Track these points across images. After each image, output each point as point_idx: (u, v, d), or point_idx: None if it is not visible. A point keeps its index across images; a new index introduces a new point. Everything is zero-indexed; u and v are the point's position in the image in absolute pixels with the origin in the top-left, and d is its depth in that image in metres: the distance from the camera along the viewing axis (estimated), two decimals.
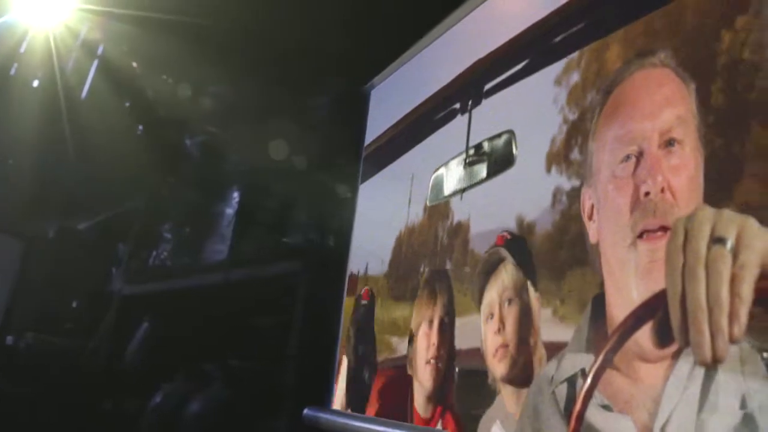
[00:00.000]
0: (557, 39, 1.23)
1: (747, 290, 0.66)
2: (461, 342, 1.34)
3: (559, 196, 1.09)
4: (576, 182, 1.09)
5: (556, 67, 1.18)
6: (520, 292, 1.16)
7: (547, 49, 1.25)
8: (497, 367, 1.18)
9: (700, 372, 0.76)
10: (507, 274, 1.21)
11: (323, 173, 2.22)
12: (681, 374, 0.79)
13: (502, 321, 1.19)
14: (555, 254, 1.07)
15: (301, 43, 2.15)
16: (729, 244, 0.69)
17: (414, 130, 1.78)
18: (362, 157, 2.08)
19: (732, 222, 0.71)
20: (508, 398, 1.14)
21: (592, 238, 1.02)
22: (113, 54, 2.20)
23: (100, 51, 2.17)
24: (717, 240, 0.70)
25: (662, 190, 0.90)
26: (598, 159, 1.03)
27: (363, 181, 2.05)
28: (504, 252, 1.22)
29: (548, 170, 1.14)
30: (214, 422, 2.23)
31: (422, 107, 1.76)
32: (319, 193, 2.27)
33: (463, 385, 1.30)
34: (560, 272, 1.07)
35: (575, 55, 1.14)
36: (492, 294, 1.25)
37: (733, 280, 0.67)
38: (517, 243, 1.19)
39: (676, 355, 0.80)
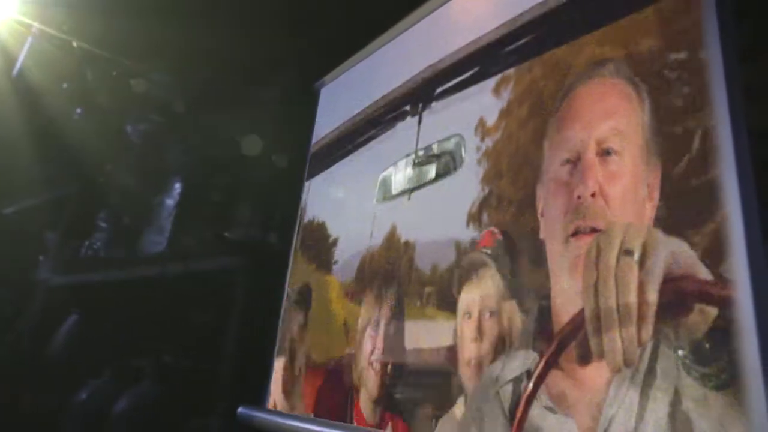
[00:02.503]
0: (506, 49, 1.28)
1: (652, 295, 0.70)
2: (414, 344, 1.32)
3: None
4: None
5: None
6: (503, 306, 1.10)
7: (497, 59, 1.30)
8: (467, 374, 1.15)
9: (639, 377, 0.79)
10: (491, 280, 1.14)
11: (268, 169, 2.18)
12: (622, 379, 0.82)
13: (480, 330, 1.14)
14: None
15: (251, 37, 2.11)
16: (636, 255, 0.74)
17: (363, 129, 1.78)
18: (309, 155, 2.06)
19: (639, 234, 0.75)
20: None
21: (541, 234, 1.06)
22: (50, 30, 2.09)
23: (34, 28, 2.06)
24: (626, 252, 0.74)
25: (593, 195, 0.95)
26: (548, 159, 1.08)
27: (309, 178, 2.03)
28: (487, 259, 1.16)
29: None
30: (143, 420, 2.16)
31: (372, 108, 1.76)
32: (264, 188, 2.24)
33: (418, 389, 1.26)
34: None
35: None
36: (473, 294, 1.18)
37: (640, 287, 0.71)
38: (508, 246, 1.14)
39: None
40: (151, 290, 2.29)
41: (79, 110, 2.37)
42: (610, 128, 0.96)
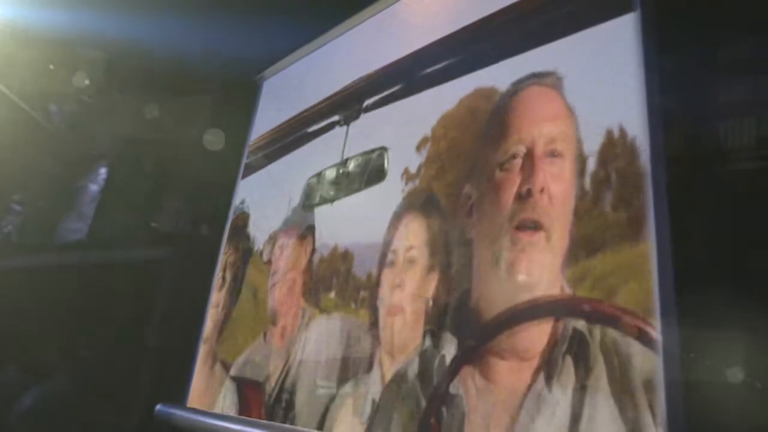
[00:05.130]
0: (433, 68, 1.36)
1: None
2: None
3: None
4: None
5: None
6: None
7: (427, 75, 1.37)
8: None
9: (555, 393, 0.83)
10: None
11: (203, 159, 2.11)
12: (537, 390, 0.86)
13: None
14: None
15: (197, 23, 2.05)
16: None
17: (296, 136, 1.80)
18: (246, 151, 2.01)
19: None
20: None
21: (469, 234, 1.08)
22: None
23: None
24: None
25: (541, 190, 0.98)
26: (487, 157, 1.11)
27: (245, 176, 1.98)
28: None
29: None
30: (51, 418, 2.04)
31: (305, 115, 1.78)
32: (197, 179, 2.17)
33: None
34: None
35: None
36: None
37: None
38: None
39: (537, 371, 0.87)
40: (68, 279, 2.16)
41: None
42: (559, 130, 1.00)
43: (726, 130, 1.08)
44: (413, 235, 1.21)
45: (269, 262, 1.68)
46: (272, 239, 1.71)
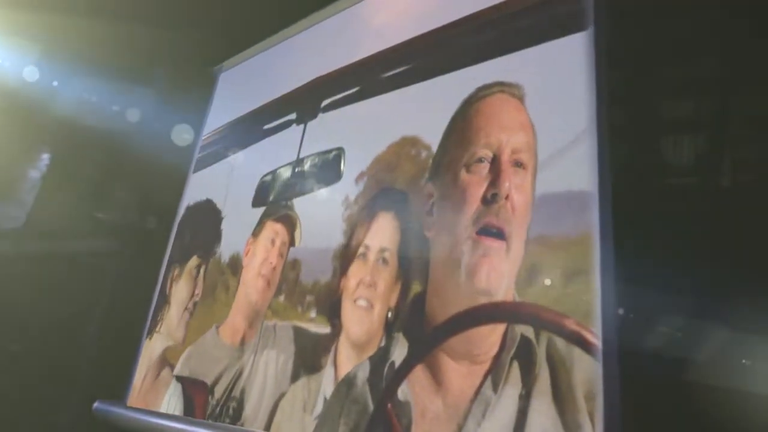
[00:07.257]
0: (387, 74, 1.39)
1: None
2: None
3: None
4: None
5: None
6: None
7: (378, 82, 1.41)
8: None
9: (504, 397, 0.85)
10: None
11: (155, 149, 2.04)
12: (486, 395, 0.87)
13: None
14: None
15: (154, 9, 1.99)
16: None
17: (251, 131, 1.77)
18: (199, 144, 1.96)
19: None
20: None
21: (428, 232, 1.09)
22: None
23: None
24: None
25: (507, 197, 1.00)
26: (451, 156, 1.12)
27: (196, 170, 1.93)
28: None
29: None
30: None
31: (261, 111, 1.76)
32: (147, 170, 2.09)
33: None
34: None
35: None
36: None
37: None
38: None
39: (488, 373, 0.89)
40: (2, 269, 2.05)
41: None
42: (523, 141, 1.02)
43: (669, 144, 1.14)
44: (388, 238, 1.21)
45: (232, 263, 1.64)
46: (227, 241, 1.68)
